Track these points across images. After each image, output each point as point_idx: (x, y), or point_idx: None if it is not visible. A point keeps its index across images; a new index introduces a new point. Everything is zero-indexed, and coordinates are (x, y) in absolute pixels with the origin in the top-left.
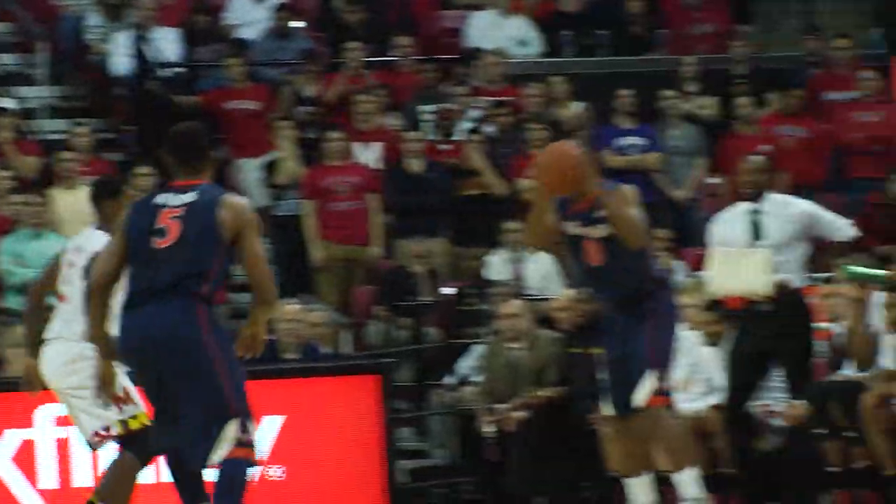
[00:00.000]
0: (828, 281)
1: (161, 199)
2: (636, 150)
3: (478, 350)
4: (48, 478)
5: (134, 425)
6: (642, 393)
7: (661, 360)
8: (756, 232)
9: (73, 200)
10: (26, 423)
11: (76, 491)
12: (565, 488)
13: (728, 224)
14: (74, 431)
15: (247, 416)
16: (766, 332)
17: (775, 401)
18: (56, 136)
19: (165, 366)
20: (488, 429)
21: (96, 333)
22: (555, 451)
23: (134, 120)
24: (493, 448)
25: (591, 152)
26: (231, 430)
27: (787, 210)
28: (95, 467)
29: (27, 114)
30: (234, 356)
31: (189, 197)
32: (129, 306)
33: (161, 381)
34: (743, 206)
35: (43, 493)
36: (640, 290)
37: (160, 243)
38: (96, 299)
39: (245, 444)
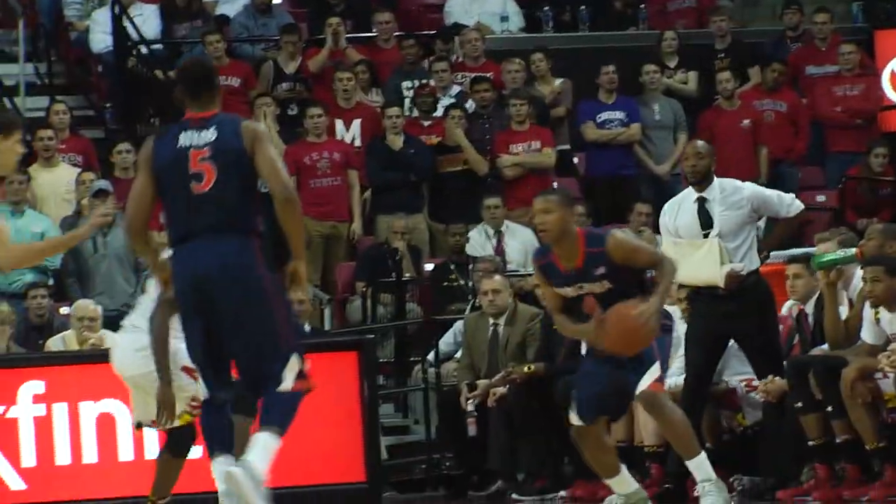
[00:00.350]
0: (796, 260)
1: (185, 139)
2: (616, 125)
3: (459, 326)
4: (29, 456)
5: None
6: (647, 379)
7: (662, 354)
8: (704, 221)
9: (52, 178)
10: (9, 400)
11: (56, 469)
12: (545, 463)
13: (677, 213)
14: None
15: (301, 349)
16: (722, 315)
17: (754, 375)
18: (35, 114)
19: (223, 300)
20: (469, 404)
21: (154, 263)
22: (535, 427)
23: (113, 97)
24: (474, 424)
25: (572, 204)
26: (293, 364)
27: (732, 197)
28: (74, 446)
29: (6, 91)
30: (283, 290)
31: (211, 134)
32: (181, 243)
33: (215, 321)
34: (690, 195)
35: (23, 471)
36: None
37: (199, 188)
38: (139, 238)
39: (304, 376)
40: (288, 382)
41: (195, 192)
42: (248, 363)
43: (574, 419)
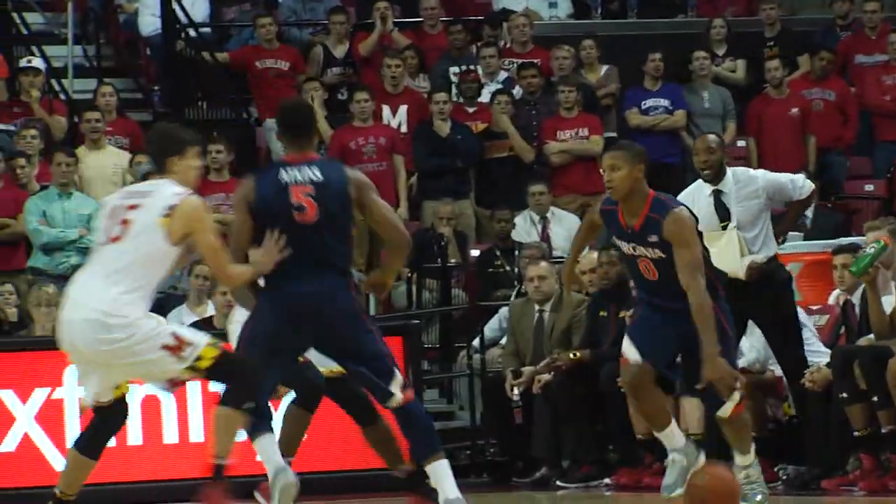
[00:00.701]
0: (843, 249)
1: (286, 175)
2: (661, 112)
3: (504, 312)
4: (73, 437)
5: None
6: (730, 405)
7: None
8: (722, 213)
9: (99, 160)
10: (55, 382)
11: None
12: (590, 450)
13: (692, 206)
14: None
15: (396, 365)
16: (743, 303)
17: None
18: (83, 96)
19: (332, 331)
20: (514, 391)
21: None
22: (580, 414)
23: (161, 80)
24: (519, 410)
25: (641, 160)
26: (398, 379)
27: (747, 188)
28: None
29: (55, 73)
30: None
31: (313, 174)
32: (279, 276)
33: (318, 348)
34: (704, 188)
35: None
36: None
37: (303, 217)
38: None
39: (408, 387)
40: (398, 396)
41: (298, 222)
42: (363, 385)
43: (630, 355)
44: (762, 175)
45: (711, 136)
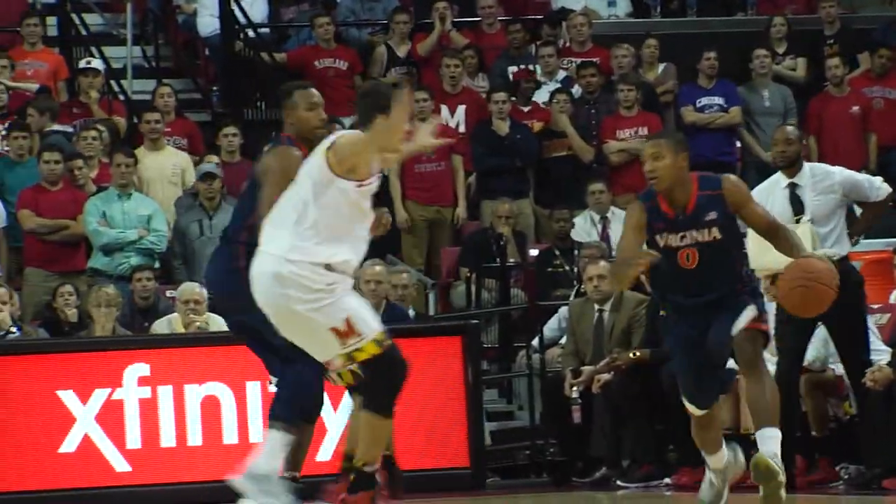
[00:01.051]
0: None
1: None
2: (715, 110)
3: (563, 312)
4: (133, 438)
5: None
6: (743, 319)
7: (760, 308)
8: (796, 207)
9: (158, 161)
10: (115, 382)
11: (161, 452)
12: (650, 450)
13: (768, 200)
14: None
15: None
16: None
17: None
18: (141, 97)
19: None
20: (574, 391)
21: None
22: (640, 413)
23: (220, 80)
24: (578, 410)
25: (684, 148)
26: None
27: (824, 182)
28: (179, 428)
29: (114, 74)
30: None
31: None
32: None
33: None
34: (780, 181)
35: (128, 452)
36: (729, 292)
37: None
38: None
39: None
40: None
41: None
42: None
43: (692, 409)
44: (839, 171)
45: (790, 128)
